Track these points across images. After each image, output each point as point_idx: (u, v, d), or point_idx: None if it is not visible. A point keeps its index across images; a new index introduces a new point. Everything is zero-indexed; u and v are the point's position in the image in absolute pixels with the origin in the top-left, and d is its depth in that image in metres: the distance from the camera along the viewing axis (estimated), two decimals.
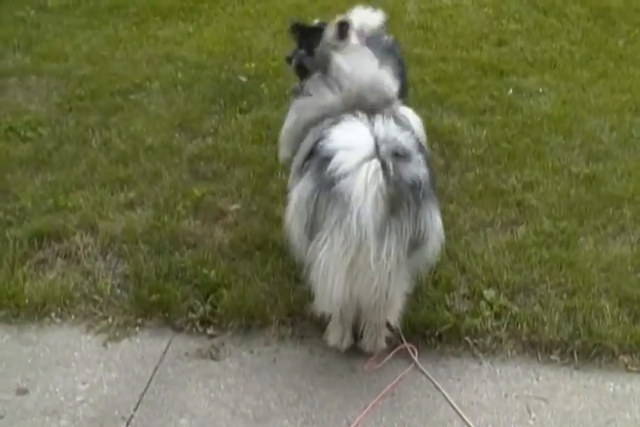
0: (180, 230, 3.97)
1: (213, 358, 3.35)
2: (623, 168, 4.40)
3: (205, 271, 3.68)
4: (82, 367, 3.31)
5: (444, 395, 3.11)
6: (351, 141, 2.81)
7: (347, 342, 3.33)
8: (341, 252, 2.79)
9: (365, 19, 3.61)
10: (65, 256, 3.89)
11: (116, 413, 3.08)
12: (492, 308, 3.45)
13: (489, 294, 3.50)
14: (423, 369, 3.23)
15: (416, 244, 2.90)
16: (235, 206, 4.14)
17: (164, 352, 3.38)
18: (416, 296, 3.49)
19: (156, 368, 3.30)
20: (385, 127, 2.86)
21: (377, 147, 2.75)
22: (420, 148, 3.01)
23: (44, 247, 3.92)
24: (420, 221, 2.82)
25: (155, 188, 4.32)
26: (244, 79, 5.63)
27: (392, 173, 2.71)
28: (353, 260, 2.80)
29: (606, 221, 3.98)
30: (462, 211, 4.03)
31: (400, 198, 2.76)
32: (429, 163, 3.06)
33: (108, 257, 3.88)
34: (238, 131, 4.88)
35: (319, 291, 2.94)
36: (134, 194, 4.26)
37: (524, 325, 3.36)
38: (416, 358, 3.26)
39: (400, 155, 2.77)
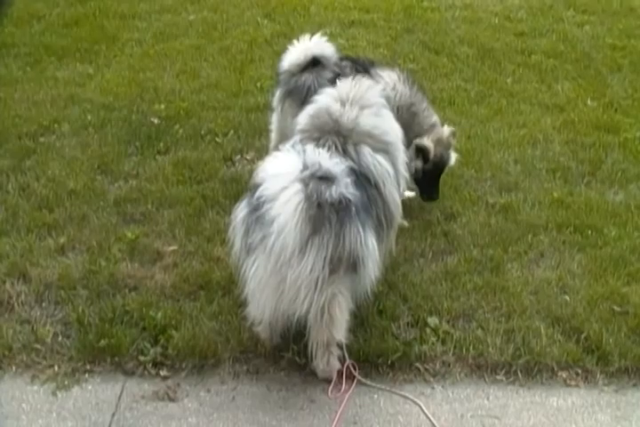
0: (119, 273, 3.91)
1: (171, 400, 3.32)
2: (533, 198, 4.73)
3: (152, 313, 3.64)
4: (33, 419, 3.20)
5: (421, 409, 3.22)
6: (278, 169, 3.08)
7: (275, 341, 3.49)
8: (266, 270, 3.05)
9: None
10: None
11: None
12: (437, 334, 3.62)
13: (432, 321, 3.68)
14: (365, 382, 3.38)
15: (349, 263, 3.09)
16: (172, 248, 4.12)
17: (119, 397, 3.32)
18: (364, 326, 3.62)
19: (113, 414, 3.23)
20: (314, 155, 3.10)
21: (302, 172, 3.00)
22: (354, 175, 3.21)
23: None
24: (345, 238, 3.01)
25: (84, 231, 4.24)
26: (156, 121, 5.61)
27: (313, 195, 2.93)
28: (277, 277, 3.03)
29: (527, 247, 4.27)
30: (394, 243, 4.19)
31: (322, 218, 2.97)
32: (372, 193, 3.31)
33: (44, 304, 3.77)
34: (160, 172, 4.86)
35: (251, 304, 3.29)
36: (64, 239, 4.16)
37: (470, 348, 3.55)
38: (356, 374, 3.37)
39: (323, 178, 3.00)
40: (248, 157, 5.16)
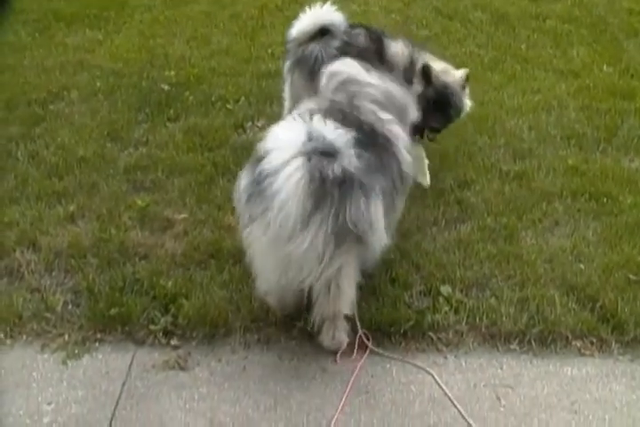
0: (129, 241, 3.88)
1: (182, 369, 3.29)
2: (548, 165, 4.65)
3: (162, 282, 3.62)
4: (44, 387, 3.19)
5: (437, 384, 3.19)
6: (281, 141, 2.99)
7: (286, 310, 3.46)
8: (267, 243, 3.00)
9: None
10: (7, 274, 3.73)
11: None
12: (449, 303, 3.57)
13: (445, 289, 3.63)
14: (378, 351, 3.35)
15: (355, 236, 3.02)
16: (182, 215, 4.08)
17: (130, 366, 3.30)
18: (376, 295, 3.58)
19: (124, 383, 3.22)
20: (319, 126, 3.01)
21: (304, 145, 2.92)
22: (364, 136, 3.14)
23: None
24: (347, 213, 2.94)
25: (94, 199, 4.20)
26: (166, 87, 5.55)
27: (315, 172, 2.87)
28: (278, 252, 2.99)
29: (541, 215, 4.20)
30: (406, 211, 4.12)
31: (324, 194, 2.90)
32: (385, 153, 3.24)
33: (54, 273, 3.74)
34: (171, 139, 4.81)
35: (257, 274, 3.23)
36: (74, 207, 4.12)
37: (483, 317, 3.50)
38: (369, 344, 3.36)
39: (326, 152, 2.92)
40: (259, 124, 5.08)
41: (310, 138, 2.95)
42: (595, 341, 3.43)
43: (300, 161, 2.88)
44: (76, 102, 5.28)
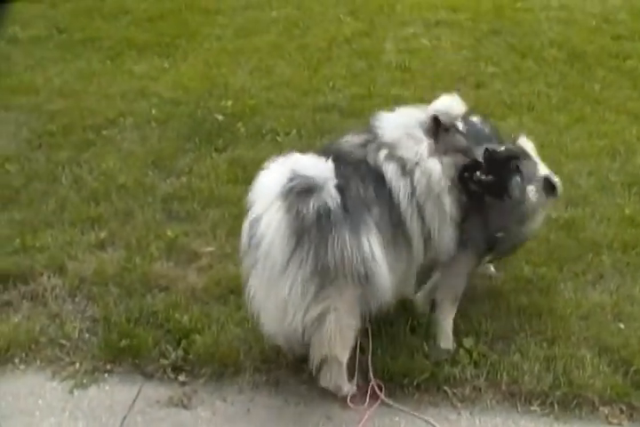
0: (153, 273, 3.87)
1: (185, 407, 3.23)
2: (602, 213, 4.38)
3: (178, 316, 3.58)
4: (46, 416, 3.19)
5: None
6: (263, 187, 3.02)
7: (297, 352, 3.32)
8: (258, 288, 3.03)
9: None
10: (31, 298, 3.79)
11: None
12: (471, 356, 3.39)
13: (468, 341, 3.44)
14: (389, 402, 3.21)
15: (345, 274, 2.93)
16: (209, 248, 4.05)
17: (134, 400, 3.26)
18: (394, 344, 3.42)
19: (124, 417, 3.18)
20: (303, 163, 2.99)
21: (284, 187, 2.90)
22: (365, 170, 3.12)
23: (10, 289, 3.81)
24: (329, 247, 2.87)
25: (127, 227, 4.23)
26: (220, 117, 5.57)
27: (292, 210, 2.85)
28: (268, 295, 2.99)
29: (586, 267, 3.96)
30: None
31: (302, 232, 2.86)
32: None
33: (76, 299, 3.77)
34: (213, 170, 4.81)
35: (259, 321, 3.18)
36: (105, 233, 4.16)
37: (504, 374, 3.30)
38: (382, 394, 3.22)
39: (303, 190, 2.87)
40: None
41: (291, 178, 2.93)
42: (625, 408, 3.18)
43: (278, 203, 2.89)
44: (129, 129, 5.36)
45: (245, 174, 4.76)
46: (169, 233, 4.14)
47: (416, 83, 6.37)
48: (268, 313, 3.05)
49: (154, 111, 5.62)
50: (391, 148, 3.20)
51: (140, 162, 4.89)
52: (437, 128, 3.30)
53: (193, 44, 7.10)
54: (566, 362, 3.33)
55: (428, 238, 3.27)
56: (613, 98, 6.08)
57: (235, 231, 4.15)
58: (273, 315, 3.02)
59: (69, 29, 7.37)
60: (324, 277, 2.93)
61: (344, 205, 2.96)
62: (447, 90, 6.19)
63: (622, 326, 3.56)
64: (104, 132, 5.32)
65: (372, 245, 2.97)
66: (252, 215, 3.00)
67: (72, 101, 5.79)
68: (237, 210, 4.34)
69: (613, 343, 3.43)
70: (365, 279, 2.97)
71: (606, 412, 3.17)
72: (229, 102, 5.82)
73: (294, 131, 5.39)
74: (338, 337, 3.06)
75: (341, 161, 3.11)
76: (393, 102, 5.94)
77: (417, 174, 3.20)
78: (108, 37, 7.20)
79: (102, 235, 4.14)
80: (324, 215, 2.89)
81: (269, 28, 7.56)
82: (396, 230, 3.13)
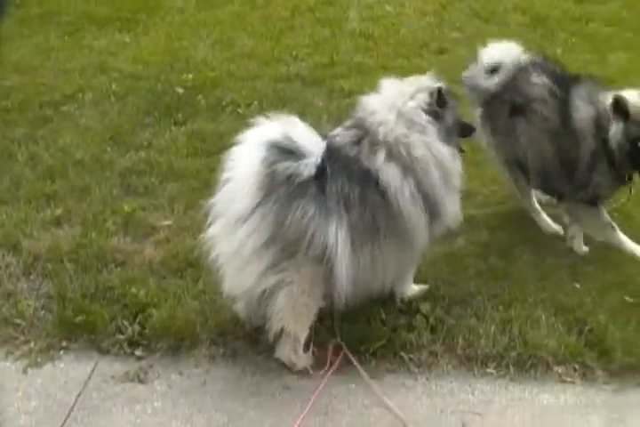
0: (109, 248, 3.83)
1: (141, 382, 3.21)
2: None
3: (134, 290, 3.55)
4: None
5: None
6: (252, 135, 2.94)
7: (254, 322, 3.29)
8: (218, 232, 2.99)
9: None
10: None
11: None
12: (427, 321, 3.38)
13: (425, 307, 3.44)
14: (354, 361, 3.19)
15: (308, 252, 2.90)
16: (166, 222, 4.02)
17: (89, 376, 3.23)
18: (350, 311, 3.40)
19: (79, 394, 3.15)
20: (295, 129, 2.93)
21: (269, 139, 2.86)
22: (347, 167, 3.03)
23: None
24: (291, 215, 2.84)
25: (83, 204, 4.18)
26: (180, 91, 5.50)
27: (268, 163, 2.81)
28: (227, 240, 2.94)
29: (542, 231, 3.95)
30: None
31: (272, 188, 2.84)
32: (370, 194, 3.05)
33: (31, 277, 3.73)
34: (172, 144, 4.75)
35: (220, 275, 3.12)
36: (61, 210, 4.11)
37: (460, 338, 3.30)
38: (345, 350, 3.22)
39: (287, 150, 2.85)
40: None
41: (281, 136, 2.89)
42: (578, 367, 3.20)
43: (261, 153, 2.84)
44: (88, 105, 5.28)
45: (205, 147, 4.74)
46: (126, 208, 4.10)
47: (379, 50, 6.33)
48: (228, 267, 3.00)
49: (113, 86, 5.53)
50: (388, 146, 3.09)
51: (98, 137, 4.82)
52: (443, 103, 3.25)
53: (154, 18, 6.99)
54: (522, 324, 3.34)
55: (431, 223, 3.22)
56: (574, 61, 5.97)
57: (193, 204, 4.14)
58: (233, 268, 2.97)
59: (27, 4, 7.24)
60: (283, 246, 2.90)
61: (321, 189, 2.92)
62: (410, 56, 6.23)
63: (578, 286, 3.57)
64: (62, 108, 5.24)
65: (339, 238, 2.92)
66: (232, 155, 2.95)
67: (29, 77, 5.70)
68: (196, 183, 4.35)
69: (569, 303, 3.45)
70: (326, 264, 2.94)
71: (560, 371, 3.18)
72: (190, 75, 5.74)
73: (255, 102, 5.33)
74: (291, 312, 3.04)
75: (331, 155, 3.02)
76: (355, 70, 5.92)
77: (426, 166, 3.13)
78: (67, 12, 7.07)
79: (58, 212, 4.09)
80: (295, 182, 2.86)
81: None
82: (374, 235, 3.06)
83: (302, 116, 4.59)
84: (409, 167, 3.10)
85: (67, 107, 5.27)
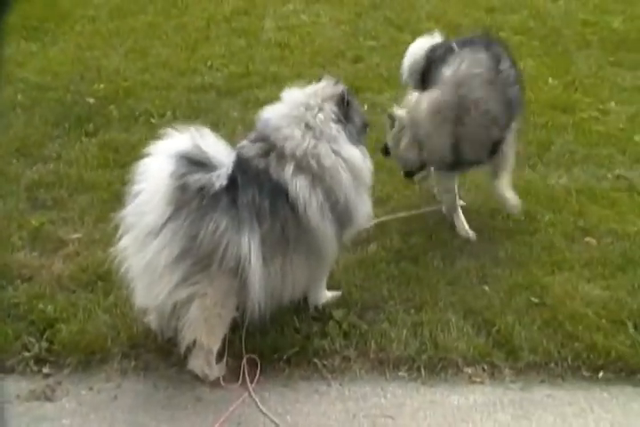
0: (15, 263, 3.73)
1: (48, 399, 3.12)
2: (470, 180, 4.47)
3: (41, 306, 3.45)
4: None
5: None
6: (165, 148, 2.87)
7: (166, 333, 3.24)
8: (130, 247, 2.93)
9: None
10: None
11: None
12: (340, 327, 3.40)
13: (338, 313, 3.45)
14: (252, 390, 3.14)
15: (221, 263, 2.88)
16: (76, 235, 3.93)
17: None
18: (263, 319, 3.39)
19: None
20: (204, 140, 2.87)
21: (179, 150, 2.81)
22: (257, 179, 3.01)
23: None
24: (204, 228, 2.81)
25: None
26: (91, 101, 5.42)
27: (177, 175, 2.76)
28: (137, 255, 2.90)
29: (453, 235, 4.06)
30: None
31: (183, 202, 2.80)
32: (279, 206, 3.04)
33: None
34: (82, 155, 4.67)
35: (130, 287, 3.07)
36: None
37: (373, 342, 3.32)
38: (258, 368, 3.20)
39: (197, 161, 2.80)
40: None
41: (190, 147, 2.84)
42: (487, 367, 3.25)
43: (167, 166, 2.78)
44: None
45: (117, 158, 4.67)
46: (33, 222, 4.00)
47: (295, 59, 6.37)
48: (139, 281, 2.95)
49: (19, 97, 5.41)
50: (297, 159, 3.08)
51: (3, 150, 4.69)
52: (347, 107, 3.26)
53: (63, 27, 6.89)
54: (432, 327, 3.39)
55: (342, 230, 3.24)
56: None
57: (104, 216, 4.05)
58: (144, 282, 2.93)
59: None
60: (196, 260, 2.87)
61: (233, 200, 2.89)
62: (326, 65, 6.28)
63: (487, 288, 3.64)
64: None
65: (252, 249, 2.90)
66: (141, 167, 2.89)
67: None
68: (107, 194, 4.27)
69: (477, 306, 3.51)
70: (240, 276, 2.92)
71: (470, 372, 3.23)
72: (102, 85, 5.68)
73: (169, 112, 5.30)
74: (204, 324, 3.01)
75: (240, 167, 2.98)
76: (271, 80, 5.93)
77: (336, 173, 3.14)
78: None
79: None
80: (206, 195, 2.82)
81: (146, 8, 7.43)
82: (284, 247, 3.06)
83: (217, 126, 4.71)
84: (318, 177, 3.11)
85: None
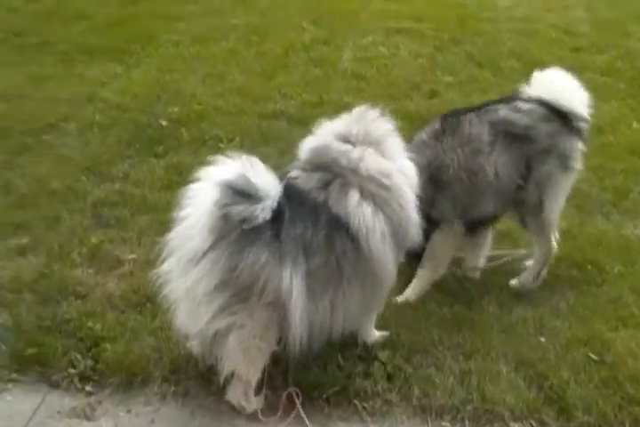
0: (71, 279, 3.78)
1: (87, 418, 3.13)
2: None
3: (90, 324, 3.48)
4: None
5: None
6: (210, 174, 2.86)
7: (208, 361, 3.19)
8: (172, 271, 2.95)
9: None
10: None
11: None
12: (385, 369, 3.30)
13: (383, 354, 3.36)
14: (303, 415, 3.07)
15: (261, 296, 2.83)
16: (132, 256, 3.97)
17: (35, 411, 3.15)
18: (307, 354, 3.33)
19: None
20: (252, 169, 2.83)
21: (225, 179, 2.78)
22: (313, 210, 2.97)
23: None
24: (243, 261, 2.77)
25: (51, 233, 4.14)
26: (164, 123, 5.51)
27: (221, 205, 2.73)
28: (178, 280, 2.90)
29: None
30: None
31: (224, 232, 2.76)
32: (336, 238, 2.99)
33: None
34: (149, 176, 4.74)
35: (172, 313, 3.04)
36: (28, 240, 4.07)
37: (417, 387, 3.21)
38: (299, 403, 3.11)
39: (242, 192, 2.76)
40: None
41: (238, 176, 2.80)
42: (535, 424, 3.09)
43: (212, 193, 2.76)
44: (70, 134, 5.30)
45: (181, 180, 4.65)
46: (93, 239, 4.06)
47: (370, 91, 6.34)
48: (180, 306, 2.94)
49: (97, 117, 5.55)
50: (363, 184, 3.05)
51: (75, 167, 4.81)
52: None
53: (148, 50, 7.06)
54: (481, 376, 3.25)
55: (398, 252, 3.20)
56: None
57: (160, 238, 4.08)
58: (184, 307, 2.92)
59: (26, 33, 7.34)
60: (235, 291, 2.84)
61: (276, 234, 2.85)
62: (400, 98, 6.24)
63: (543, 339, 3.49)
64: (44, 137, 5.25)
65: (294, 283, 2.85)
66: (189, 193, 2.90)
67: (15, 105, 5.73)
68: (165, 216, 4.25)
69: (531, 358, 3.36)
70: (279, 310, 2.88)
71: None
72: (176, 108, 5.76)
73: (238, 138, 5.34)
74: (242, 355, 2.97)
75: (291, 200, 2.96)
76: (344, 110, 5.89)
77: (401, 192, 3.13)
78: (64, 41, 7.15)
79: (24, 241, 4.06)
80: (247, 227, 2.78)
81: (228, 34, 7.54)
82: (337, 281, 3.00)
83: (284, 154, 4.70)
84: (383, 201, 3.07)
85: (49, 136, 5.28)
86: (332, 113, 5.77)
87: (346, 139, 3.19)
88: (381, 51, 7.31)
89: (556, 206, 3.79)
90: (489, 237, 4.02)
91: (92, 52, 6.87)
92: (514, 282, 3.89)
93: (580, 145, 3.78)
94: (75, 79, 6.30)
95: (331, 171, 3.10)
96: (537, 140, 3.68)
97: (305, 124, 5.67)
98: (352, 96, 6.23)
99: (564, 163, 3.73)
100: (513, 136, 3.67)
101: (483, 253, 3.99)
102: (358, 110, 3.28)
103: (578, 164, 3.80)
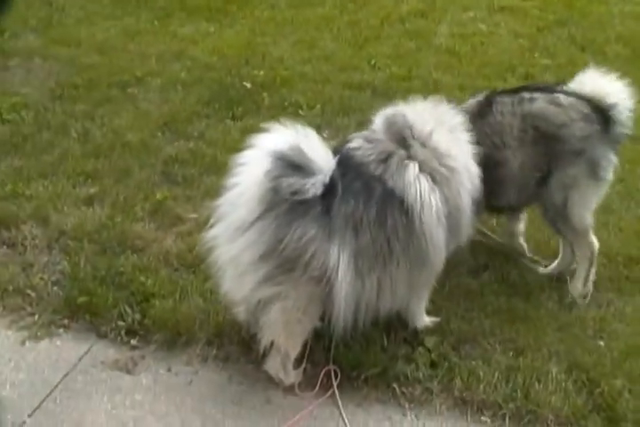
0: (131, 233, 3.82)
1: (128, 372, 3.18)
2: (616, 223, 4.10)
3: (142, 279, 3.52)
4: None
5: None
6: (267, 143, 2.78)
7: (252, 328, 3.16)
8: (218, 238, 2.89)
9: None
10: (10, 245, 3.78)
11: (9, 417, 2.92)
12: (429, 355, 3.21)
13: (430, 340, 3.26)
14: (337, 396, 3.03)
15: (306, 270, 2.77)
16: (193, 215, 3.97)
17: (80, 358, 3.22)
18: (351, 332, 3.27)
19: (66, 374, 3.14)
20: (308, 142, 2.74)
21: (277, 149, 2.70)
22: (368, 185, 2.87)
23: None
24: (290, 234, 2.70)
25: (119, 185, 4.19)
26: (248, 85, 5.48)
27: (271, 176, 2.65)
28: (225, 247, 2.86)
29: None
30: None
31: (272, 203, 2.70)
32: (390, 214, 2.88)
33: (53, 252, 3.76)
34: (223, 137, 4.73)
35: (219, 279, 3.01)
36: (96, 189, 4.14)
37: (459, 379, 3.10)
38: (335, 382, 3.07)
39: (294, 164, 2.67)
40: (324, 135, 4.87)
41: (292, 148, 2.71)
42: None
43: (265, 161, 2.69)
44: (154, 89, 5.34)
45: None
46: (158, 195, 4.09)
47: (461, 69, 6.14)
48: (226, 272, 2.92)
49: (183, 74, 5.58)
50: (425, 159, 2.97)
51: (153, 123, 4.85)
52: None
53: (244, 11, 7.03)
54: (528, 375, 3.11)
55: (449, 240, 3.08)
56: None
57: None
58: (230, 274, 2.89)
59: None
60: (280, 263, 2.78)
61: (327, 209, 2.77)
62: (492, 78, 6.01)
63: (602, 343, 3.31)
64: (128, 90, 5.32)
65: (341, 260, 2.77)
66: (240, 160, 2.84)
67: (107, 57, 5.81)
68: None
69: (585, 361, 3.19)
70: (325, 286, 2.81)
71: None
72: (262, 72, 5.72)
73: (319, 106, 5.26)
74: (283, 327, 2.93)
75: (346, 173, 2.87)
76: (432, 86, 5.75)
77: (460, 179, 3.04)
78: None
79: (92, 191, 4.13)
80: (297, 200, 2.70)
81: (325, 0, 7.40)
82: (387, 259, 2.90)
83: (363, 126, 4.60)
84: (443, 180, 2.97)
85: (133, 89, 5.34)
86: (418, 88, 5.75)
87: (422, 115, 3.09)
88: (480, 28, 7.05)
89: (585, 213, 3.51)
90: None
91: (190, 10, 6.90)
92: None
93: (613, 154, 3.47)
94: (168, 36, 6.34)
95: (397, 141, 3.00)
96: (568, 142, 3.38)
97: (389, 98, 5.52)
98: (442, 72, 6.05)
99: (594, 170, 3.41)
100: (542, 133, 3.40)
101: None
102: (433, 99, 3.18)
103: (609, 174, 3.47)
